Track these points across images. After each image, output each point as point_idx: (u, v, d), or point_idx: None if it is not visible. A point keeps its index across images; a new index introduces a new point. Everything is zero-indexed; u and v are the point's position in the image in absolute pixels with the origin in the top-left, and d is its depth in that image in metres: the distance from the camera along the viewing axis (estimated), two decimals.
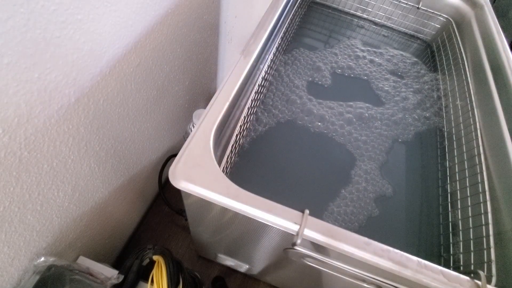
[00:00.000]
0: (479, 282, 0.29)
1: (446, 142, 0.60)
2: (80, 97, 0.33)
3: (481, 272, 0.29)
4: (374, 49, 0.74)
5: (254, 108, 0.53)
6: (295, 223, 0.29)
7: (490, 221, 0.42)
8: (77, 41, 0.29)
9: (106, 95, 0.37)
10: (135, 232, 0.64)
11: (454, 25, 0.71)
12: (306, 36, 0.75)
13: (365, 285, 0.33)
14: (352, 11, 0.81)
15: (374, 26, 0.80)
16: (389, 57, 0.73)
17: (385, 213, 0.50)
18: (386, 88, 0.66)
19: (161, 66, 0.47)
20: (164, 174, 0.61)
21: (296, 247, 0.29)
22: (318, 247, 0.30)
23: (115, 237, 0.57)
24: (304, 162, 0.53)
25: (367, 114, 0.61)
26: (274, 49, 0.57)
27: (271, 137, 0.55)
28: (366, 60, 0.71)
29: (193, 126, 0.55)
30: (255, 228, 0.33)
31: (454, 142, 0.58)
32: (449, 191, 0.53)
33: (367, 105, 0.63)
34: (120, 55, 0.36)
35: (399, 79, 0.69)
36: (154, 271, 0.36)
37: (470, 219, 0.46)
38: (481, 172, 0.48)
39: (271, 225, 0.29)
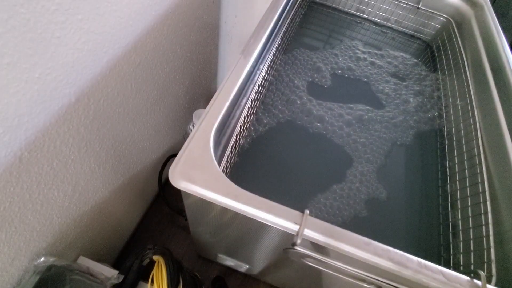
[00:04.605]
0: (479, 282, 0.29)
1: (446, 142, 0.60)
2: (80, 97, 0.33)
3: (481, 272, 0.29)
4: (375, 51, 0.74)
5: (254, 108, 0.53)
6: (295, 223, 0.29)
7: (490, 221, 0.42)
8: (77, 41, 0.29)
9: (106, 95, 0.37)
10: (135, 232, 0.64)
11: (454, 25, 0.71)
12: (306, 36, 0.75)
13: (365, 285, 0.33)
14: (352, 11, 0.81)
15: (374, 26, 0.80)
16: (390, 59, 0.73)
17: (373, 216, 0.49)
18: (387, 91, 0.66)
19: (161, 66, 0.47)
20: (164, 174, 0.61)
21: (296, 247, 0.29)
22: (318, 247, 0.30)
23: (115, 237, 0.57)
24: (303, 163, 0.53)
25: (367, 117, 0.61)
26: (274, 49, 0.57)
27: (271, 137, 0.55)
28: (367, 62, 0.71)
29: (193, 126, 0.55)
30: (255, 228, 0.33)
31: (454, 142, 0.58)
32: (449, 191, 0.53)
33: (367, 107, 0.62)
34: (120, 55, 0.36)
35: (400, 82, 0.69)
36: (154, 271, 0.36)
37: (470, 219, 0.46)
38: (481, 172, 0.48)
39: (271, 225, 0.29)
